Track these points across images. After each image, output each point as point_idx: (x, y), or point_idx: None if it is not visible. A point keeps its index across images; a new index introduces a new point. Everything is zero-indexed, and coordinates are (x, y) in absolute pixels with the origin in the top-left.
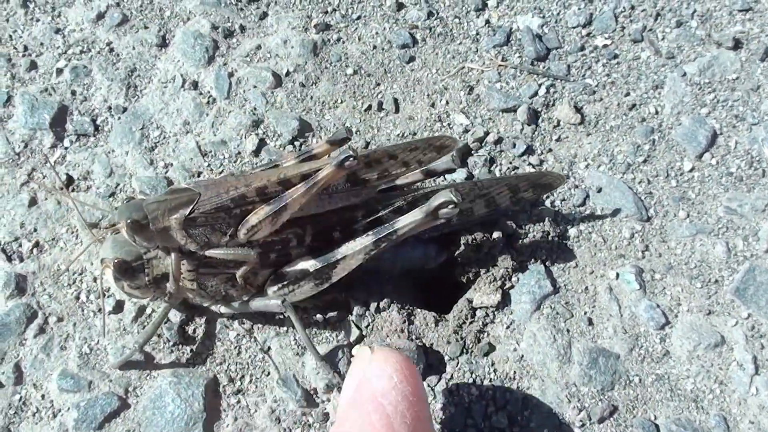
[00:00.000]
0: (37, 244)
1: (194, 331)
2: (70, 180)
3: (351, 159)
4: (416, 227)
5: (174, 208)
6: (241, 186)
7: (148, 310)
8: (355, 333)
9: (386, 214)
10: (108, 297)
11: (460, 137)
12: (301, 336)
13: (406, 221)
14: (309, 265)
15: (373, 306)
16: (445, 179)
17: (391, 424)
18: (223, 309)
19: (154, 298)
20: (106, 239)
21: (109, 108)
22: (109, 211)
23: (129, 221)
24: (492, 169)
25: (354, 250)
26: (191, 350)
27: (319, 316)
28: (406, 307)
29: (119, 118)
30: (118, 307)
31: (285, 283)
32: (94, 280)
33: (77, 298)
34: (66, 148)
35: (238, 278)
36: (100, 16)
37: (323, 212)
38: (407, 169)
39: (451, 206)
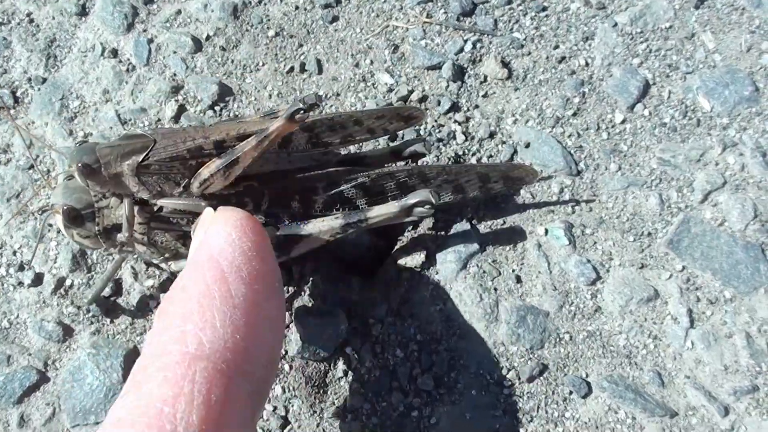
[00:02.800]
0: None
1: (114, 302)
2: None
3: (301, 112)
4: (388, 219)
5: (127, 153)
6: (199, 137)
7: (68, 282)
8: None
9: (348, 189)
10: (28, 270)
11: (384, 97)
12: None
13: (379, 212)
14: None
15: (295, 271)
16: (414, 162)
17: (225, 279)
18: (173, 266)
19: (105, 248)
20: (58, 184)
21: (29, 79)
22: (65, 154)
23: (80, 165)
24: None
25: (320, 229)
26: (111, 321)
27: None
28: (331, 272)
29: (39, 89)
30: (38, 279)
31: None
32: (13, 253)
33: None
34: None
35: (193, 233)
36: None
37: (282, 178)
38: (371, 137)
39: (427, 206)
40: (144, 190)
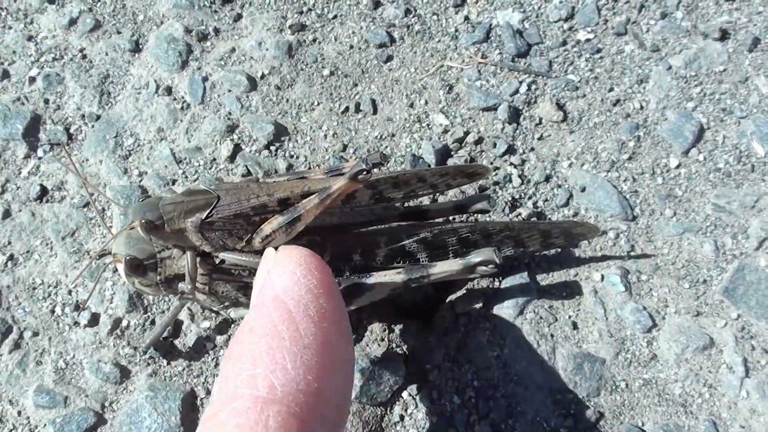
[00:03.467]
0: (11, 257)
1: (171, 343)
2: (44, 191)
3: (364, 173)
4: (450, 276)
5: (191, 210)
6: (263, 195)
7: (124, 323)
8: None
9: (409, 243)
10: (83, 310)
11: (439, 138)
12: None
13: (441, 268)
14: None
15: (353, 316)
16: (476, 218)
17: (293, 319)
18: (233, 314)
19: (165, 295)
20: (120, 233)
21: (83, 116)
22: (127, 209)
23: (144, 221)
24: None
25: (382, 282)
26: (168, 363)
27: None
28: (387, 317)
29: (93, 126)
30: (94, 320)
31: None
32: (69, 293)
33: (52, 311)
34: (40, 158)
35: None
36: (73, 22)
37: (344, 232)
38: (434, 191)
39: (491, 266)
40: (207, 244)
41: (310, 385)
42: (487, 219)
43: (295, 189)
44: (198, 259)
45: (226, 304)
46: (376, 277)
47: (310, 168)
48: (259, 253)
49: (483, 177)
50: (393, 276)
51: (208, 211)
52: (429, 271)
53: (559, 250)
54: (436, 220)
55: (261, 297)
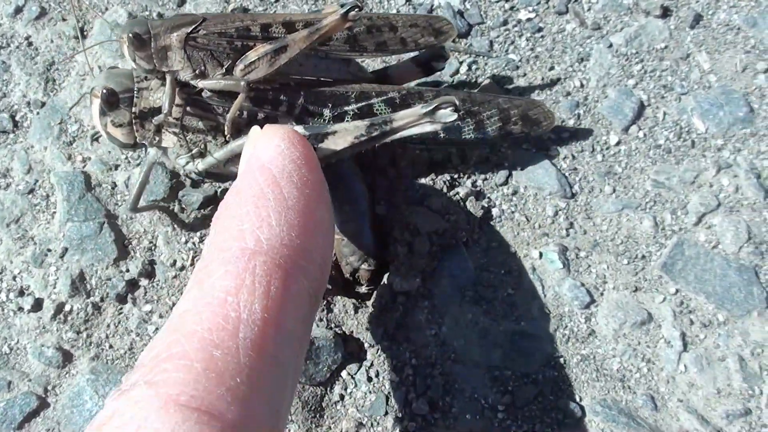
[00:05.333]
0: None
1: (113, 326)
2: None
3: (356, 9)
4: (411, 125)
5: (177, 26)
6: (247, 20)
7: (67, 308)
8: None
9: (377, 102)
10: (27, 296)
11: None
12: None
13: (403, 115)
14: (297, 129)
15: None
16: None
17: (278, 183)
18: (200, 165)
19: (135, 143)
20: (102, 71)
21: (28, 103)
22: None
23: (131, 35)
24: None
25: (345, 128)
26: (110, 346)
27: None
28: (326, 296)
29: (38, 113)
30: (37, 305)
31: None
32: (14, 279)
33: None
34: None
35: (227, 122)
36: (18, 10)
37: (317, 83)
38: (403, 49)
39: (450, 108)
40: (188, 67)
41: (293, 241)
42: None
43: (277, 18)
44: (177, 85)
45: (193, 152)
46: (339, 124)
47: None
48: (237, 80)
49: (448, 36)
50: (355, 123)
51: (193, 26)
52: (392, 117)
53: (497, 227)
54: (403, 87)
55: (248, 166)
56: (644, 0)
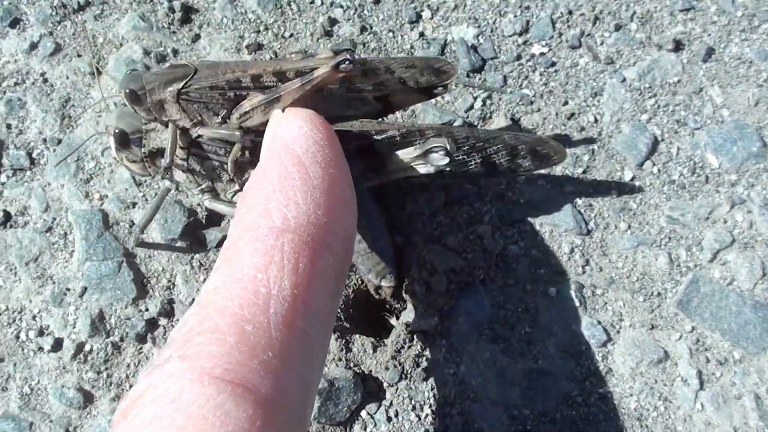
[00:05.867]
0: None
1: (133, 365)
2: (7, 216)
3: (347, 62)
4: (406, 165)
5: (170, 81)
6: (238, 71)
7: (87, 348)
8: None
9: (377, 141)
10: (47, 336)
11: None
12: None
13: (397, 158)
14: None
15: None
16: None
17: (302, 163)
18: (207, 202)
19: (151, 175)
20: (115, 109)
21: (45, 140)
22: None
23: (127, 90)
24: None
25: None
26: (130, 386)
27: None
28: (345, 334)
29: (54, 150)
30: (57, 345)
31: None
32: (33, 318)
33: (17, 337)
34: (3, 184)
35: (228, 164)
36: (33, 47)
37: None
38: (403, 87)
39: (441, 152)
40: (185, 117)
41: (319, 219)
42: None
43: (268, 67)
44: (178, 131)
45: (203, 187)
46: None
47: (285, 55)
48: (236, 128)
49: (450, 76)
50: (353, 164)
51: (185, 81)
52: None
53: (513, 264)
54: (405, 124)
55: (271, 146)
56: (657, 34)
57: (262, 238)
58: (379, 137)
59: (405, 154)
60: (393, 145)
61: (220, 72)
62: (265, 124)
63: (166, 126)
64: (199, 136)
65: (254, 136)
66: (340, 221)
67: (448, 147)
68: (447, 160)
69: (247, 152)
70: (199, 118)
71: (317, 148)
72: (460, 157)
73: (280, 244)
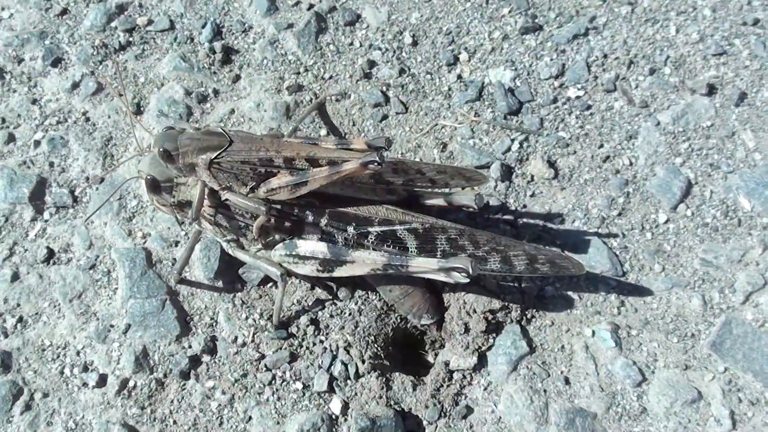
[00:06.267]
0: (20, 319)
1: (177, 401)
2: (51, 253)
3: (375, 164)
4: (426, 273)
5: (203, 148)
6: (272, 150)
7: (131, 383)
8: (337, 403)
9: (401, 230)
10: (91, 372)
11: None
12: (276, 308)
13: (419, 264)
14: (320, 248)
15: (352, 370)
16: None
17: None
18: (230, 250)
19: (179, 220)
20: (148, 154)
21: (87, 178)
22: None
23: (161, 149)
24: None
25: (363, 260)
26: (174, 422)
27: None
28: (385, 372)
29: (97, 188)
30: (101, 381)
31: (292, 253)
32: (77, 354)
33: (61, 372)
34: (46, 221)
35: (254, 228)
36: (75, 86)
37: (342, 203)
38: (432, 187)
39: (463, 274)
40: (215, 182)
41: None
42: (477, 228)
43: (302, 152)
44: (206, 191)
45: (228, 238)
46: (360, 253)
47: (320, 137)
48: (261, 200)
49: (480, 184)
50: (375, 257)
51: (218, 152)
52: (409, 263)
53: (550, 305)
54: (428, 218)
55: None
56: (690, 78)
57: None
58: (402, 226)
59: (426, 264)
60: (415, 236)
61: (254, 148)
62: (292, 201)
63: (196, 182)
64: (227, 199)
65: (281, 208)
66: None
67: (471, 270)
68: (467, 280)
69: (272, 219)
70: (228, 185)
71: None
72: (480, 254)
73: None
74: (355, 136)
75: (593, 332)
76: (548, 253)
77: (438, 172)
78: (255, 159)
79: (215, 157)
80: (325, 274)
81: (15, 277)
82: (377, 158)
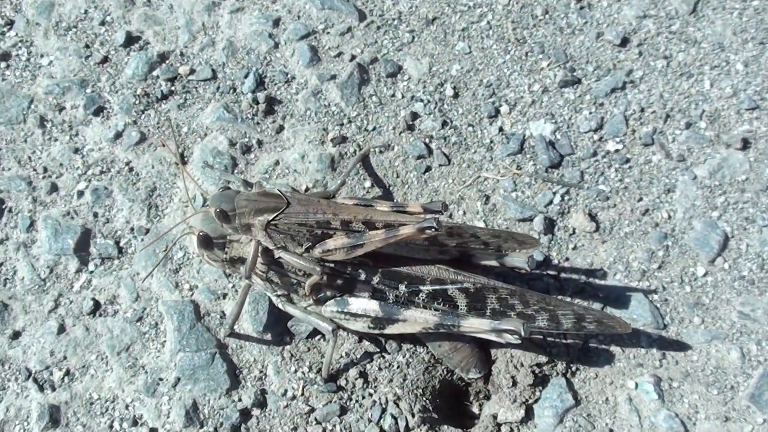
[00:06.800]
0: (68, 372)
1: None
2: (96, 305)
3: (432, 229)
4: (477, 333)
5: (260, 210)
6: (329, 213)
7: None
8: None
9: (452, 289)
10: (140, 426)
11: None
12: (326, 362)
13: (472, 324)
14: (371, 306)
15: (402, 424)
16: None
17: None
18: (280, 305)
19: (227, 273)
20: (200, 211)
21: (132, 229)
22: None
23: (218, 210)
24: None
25: (415, 319)
26: None
27: None
28: (434, 425)
29: (142, 239)
30: None
31: (344, 310)
32: (126, 407)
33: (110, 426)
34: (91, 273)
35: (306, 286)
36: (118, 135)
37: (395, 263)
38: (485, 249)
39: (515, 336)
40: (270, 242)
41: None
42: (527, 288)
43: (359, 215)
44: (260, 249)
45: (279, 293)
46: (411, 312)
47: (375, 198)
48: (316, 260)
49: (533, 247)
50: (426, 316)
51: (275, 214)
52: (460, 322)
53: (594, 358)
54: (479, 277)
55: None
56: (725, 133)
57: None
58: (453, 285)
59: (478, 324)
60: (466, 295)
61: (311, 211)
62: (345, 260)
63: (250, 240)
64: (281, 257)
65: (335, 266)
66: None
67: (522, 333)
68: (519, 342)
69: (325, 277)
70: (283, 245)
71: None
72: (529, 312)
73: None
74: (411, 200)
75: (636, 384)
76: (596, 313)
77: (492, 236)
78: (312, 221)
79: (272, 219)
80: (377, 331)
81: (61, 329)
82: (434, 223)
